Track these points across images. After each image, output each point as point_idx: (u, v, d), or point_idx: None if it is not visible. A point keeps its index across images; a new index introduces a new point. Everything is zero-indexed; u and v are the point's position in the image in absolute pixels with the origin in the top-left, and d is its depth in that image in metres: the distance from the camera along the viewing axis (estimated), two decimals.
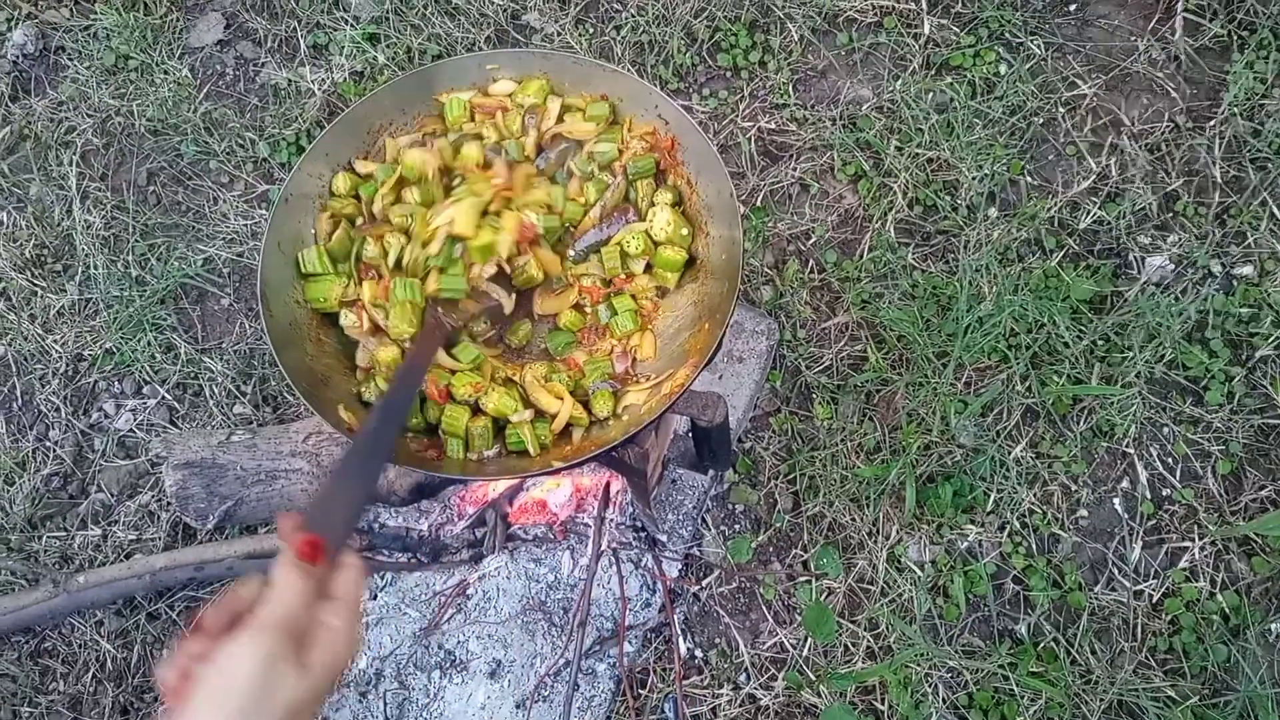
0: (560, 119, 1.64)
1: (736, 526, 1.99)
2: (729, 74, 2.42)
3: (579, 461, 1.40)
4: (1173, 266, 2.12)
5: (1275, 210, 2.14)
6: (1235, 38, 2.31)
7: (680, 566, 1.95)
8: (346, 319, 1.52)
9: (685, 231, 1.56)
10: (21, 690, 1.93)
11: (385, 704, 1.84)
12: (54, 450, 2.11)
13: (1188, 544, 1.91)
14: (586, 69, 1.63)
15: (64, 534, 2.04)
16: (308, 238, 1.57)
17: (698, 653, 1.90)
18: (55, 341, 2.20)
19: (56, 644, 1.96)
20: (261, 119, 2.43)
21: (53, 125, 2.44)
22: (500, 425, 1.47)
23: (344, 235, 1.55)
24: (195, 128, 2.41)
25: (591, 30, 2.46)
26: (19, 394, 2.18)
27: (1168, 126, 2.26)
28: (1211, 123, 2.25)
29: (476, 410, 1.47)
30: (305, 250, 1.53)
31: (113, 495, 2.07)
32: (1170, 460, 1.99)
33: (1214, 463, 1.97)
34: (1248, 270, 2.11)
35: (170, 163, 2.40)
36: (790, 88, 2.37)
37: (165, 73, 2.49)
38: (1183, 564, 1.90)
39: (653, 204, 1.59)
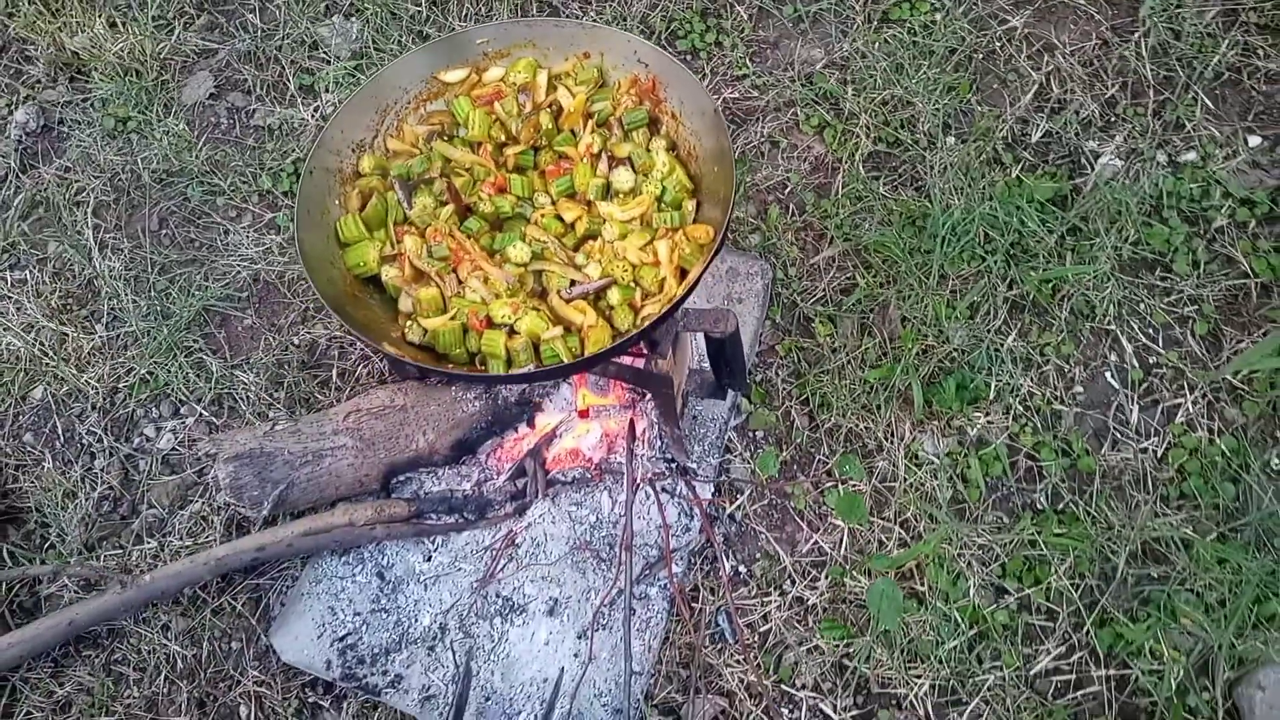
0: (552, 89, 1.81)
1: (760, 449, 2.10)
2: (689, 57, 2.61)
3: (613, 349, 1.52)
4: (1122, 162, 2.29)
5: (1206, 100, 2.33)
6: None
7: (712, 492, 2.05)
8: (388, 273, 1.65)
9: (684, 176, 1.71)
10: (98, 700, 1.98)
11: (454, 653, 1.91)
12: (101, 476, 2.20)
13: (1180, 400, 2.05)
14: (568, 30, 1.80)
15: (121, 550, 2.12)
16: (331, 208, 1.71)
17: (741, 569, 2.00)
18: (91, 378, 2.30)
19: (126, 653, 2.03)
20: (260, 156, 2.59)
21: (63, 188, 2.58)
22: (535, 347, 1.60)
23: (378, 204, 1.69)
24: (200, 170, 2.56)
25: None
26: (60, 432, 2.27)
27: (1097, 43, 2.46)
28: (1135, 35, 2.45)
29: (512, 334, 1.59)
30: (342, 219, 1.67)
31: (164, 508, 2.15)
32: (1151, 330, 2.13)
33: (1192, 325, 2.11)
34: (1191, 156, 2.28)
35: (179, 206, 2.54)
36: (747, 60, 2.56)
37: (164, 129, 2.65)
38: (1179, 419, 2.03)
39: (648, 150, 1.74)
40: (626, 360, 1.81)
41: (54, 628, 1.89)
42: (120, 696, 1.99)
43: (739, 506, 2.04)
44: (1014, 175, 2.29)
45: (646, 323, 1.58)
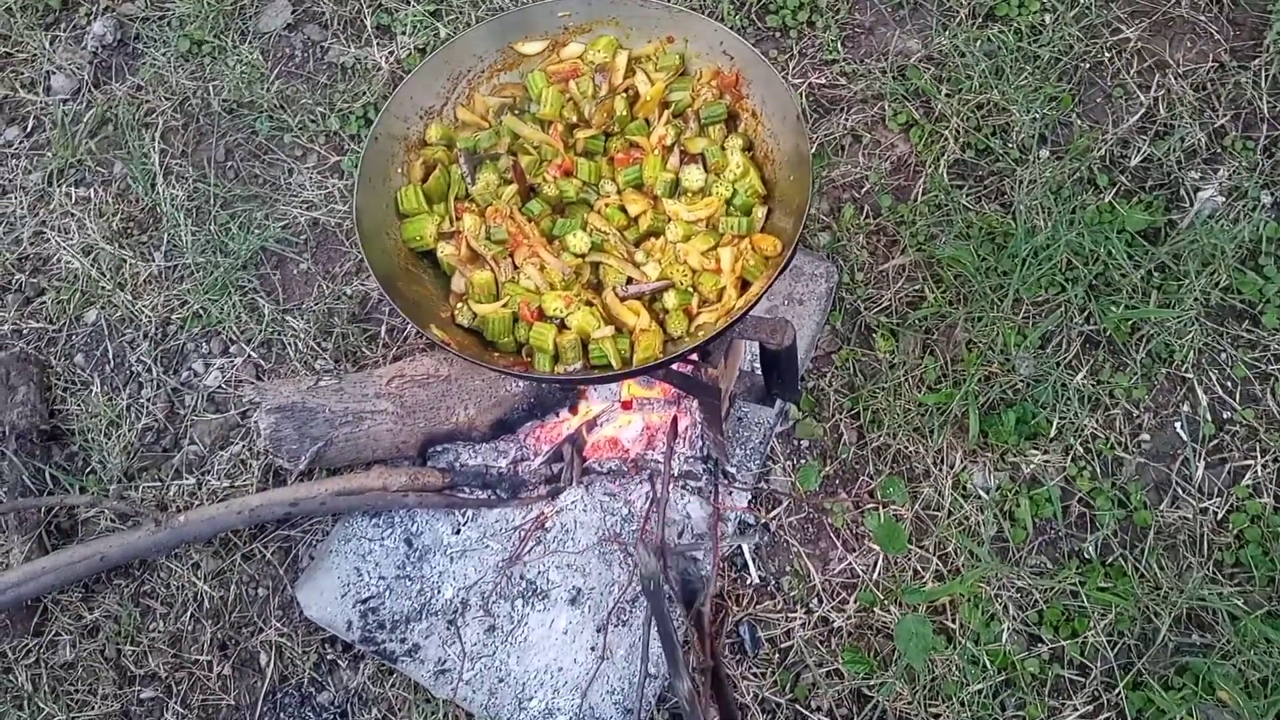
0: (631, 72, 1.73)
1: (802, 461, 2.05)
2: (778, 34, 2.50)
3: (658, 365, 1.47)
4: (1223, 199, 2.16)
5: None
6: None
7: (749, 499, 2.01)
8: (444, 250, 1.61)
9: (757, 182, 1.63)
10: (124, 630, 2.03)
11: (473, 631, 1.91)
12: (147, 407, 2.22)
13: (1250, 462, 1.95)
14: (652, 11, 1.72)
15: (159, 484, 2.14)
16: (393, 176, 1.67)
17: (770, 581, 1.96)
18: (145, 306, 2.31)
19: (156, 586, 2.06)
20: (330, 96, 2.54)
21: (133, 107, 2.57)
22: (584, 344, 1.56)
23: (441, 176, 1.65)
24: (270, 104, 2.52)
25: None
26: (111, 356, 2.29)
27: (1212, 66, 2.31)
28: (1256, 61, 2.29)
29: (562, 328, 1.55)
30: (403, 189, 1.63)
31: (205, 446, 2.17)
32: (1229, 384, 2.02)
33: (1273, 384, 2.00)
34: None
35: (246, 139, 2.52)
36: (839, 44, 2.44)
37: (238, 56, 2.61)
38: (1246, 481, 1.93)
39: (723, 148, 1.67)
40: (675, 365, 1.76)
41: (87, 559, 1.92)
42: (146, 628, 2.03)
43: (775, 517, 2.00)
44: (1107, 200, 2.17)
45: (701, 334, 1.53)
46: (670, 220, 1.63)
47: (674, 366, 1.75)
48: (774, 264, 1.55)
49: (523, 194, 1.67)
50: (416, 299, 1.59)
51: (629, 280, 1.60)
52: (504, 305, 1.57)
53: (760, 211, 1.63)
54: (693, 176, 1.65)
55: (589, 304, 1.58)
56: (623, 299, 1.58)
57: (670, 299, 1.58)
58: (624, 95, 1.72)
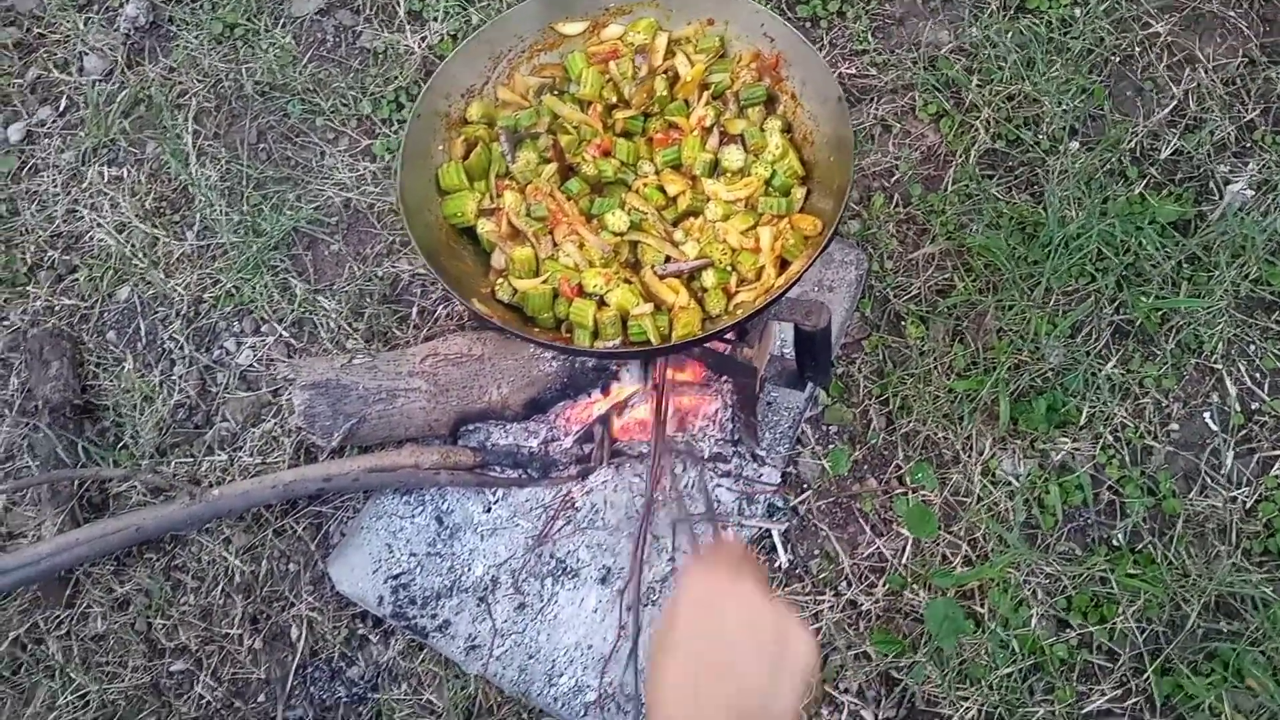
0: (670, 54, 1.74)
1: (831, 446, 2.06)
2: (808, 24, 2.51)
3: (696, 341, 1.49)
4: (1253, 192, 2.17)
5: None
6: None
7: (778, 481, 2.02)
8: (484, 226, 1.63)
9: (796, 163, 1.64)
10: (155, 603, 2.04)
11: (503, 608, 1.92)
12: (179, 384, 2.23)
13: (1278, 452, 1.95)
14: None
15: (191, 460, 2.16)
16: (435, 153, 1.68)
17: (799, 565, 1.97)
18: (178, 285, 2.33)
19: (187, 561, 2.07)
20: (363, 80, 2.56)
21: (166, 88, 2.59)
22: (623, 320, 1.57)
23: (482, 154, 1.66)
24: (302, 87, 2.54)
25: None
26: (143, 334, 2.31)
27: (1243, 61, 2.32)
28: None
29: (602, 304, 1.56)
30: (444, 166, 1.65)
31: (237, 423, 2.18)
32: (1259, 375, 2.03)
33: None
34: None
35: (279, 121, 2.53)
36: (869, 34, 2.46)
37: (270, 40, 2.63)
38: (1275, 471, 1.94)
39: (762, 130, 1.68)
40: (711, 344, 1.77)
41: (121, 531, 1.93)
42: (177, 602, 2.05)
43: (803, 501, 2.01)
44: (1137, 192, 2.18)
45: (740, 312, 1.54)
46: (709, 200, 1.64)
47: (710, 345, 1.76)
48: (814, 244, 1.56)
49: (562, 173, 1.68)
50: (458, 274, 1.60)
51: (667, 259, 1.61)
52: (544, 281, 1.59)
53: (799, 192, 1.64)
54: (732, 156, 1.66)
55: (628, 281, 1.59)
56: (661, 277, 1.60)
57: (709, 277, 1.59)
58: (664, 76, 1.73)
